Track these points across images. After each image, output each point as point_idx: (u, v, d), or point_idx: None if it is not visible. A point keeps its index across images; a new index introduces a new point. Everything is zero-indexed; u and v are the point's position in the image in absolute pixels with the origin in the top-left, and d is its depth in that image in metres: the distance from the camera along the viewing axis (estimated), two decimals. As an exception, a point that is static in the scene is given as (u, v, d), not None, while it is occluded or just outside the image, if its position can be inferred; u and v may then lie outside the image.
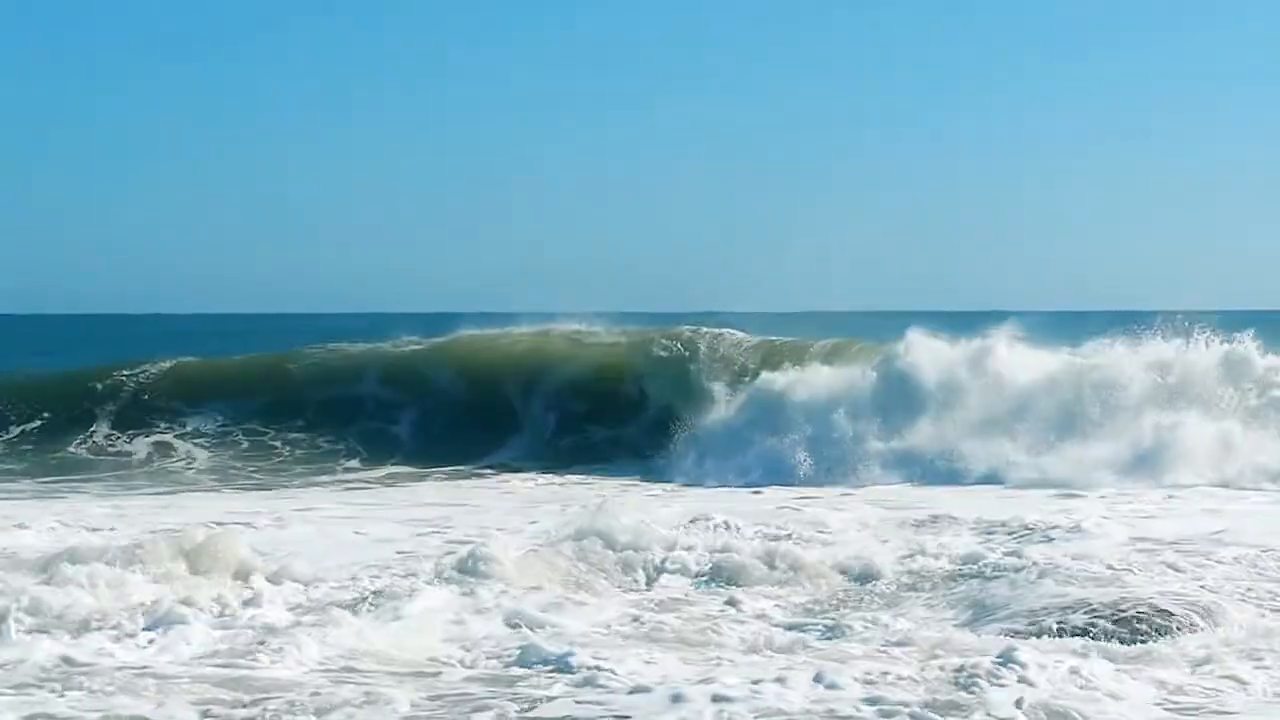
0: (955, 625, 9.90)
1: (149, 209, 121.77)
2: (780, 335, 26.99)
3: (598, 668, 8.62)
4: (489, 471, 22.50)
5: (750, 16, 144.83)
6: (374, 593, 10.64)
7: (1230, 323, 22.64)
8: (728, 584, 11.37)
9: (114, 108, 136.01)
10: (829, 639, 9.59)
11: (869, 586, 11.22)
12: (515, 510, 16.83)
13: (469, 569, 11.11)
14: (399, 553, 12.75)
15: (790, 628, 9.96)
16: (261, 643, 9.16)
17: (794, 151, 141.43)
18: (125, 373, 26.26)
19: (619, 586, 11.28)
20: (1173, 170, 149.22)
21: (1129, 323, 23.16)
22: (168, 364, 26.71)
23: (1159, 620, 9.70)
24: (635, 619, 10.24)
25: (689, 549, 12.06)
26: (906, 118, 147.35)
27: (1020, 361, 23.10)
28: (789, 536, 13.07)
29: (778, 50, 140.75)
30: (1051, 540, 13.09)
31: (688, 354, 26.15)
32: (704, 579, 11.56)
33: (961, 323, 25.21)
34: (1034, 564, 11.47)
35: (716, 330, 26.95)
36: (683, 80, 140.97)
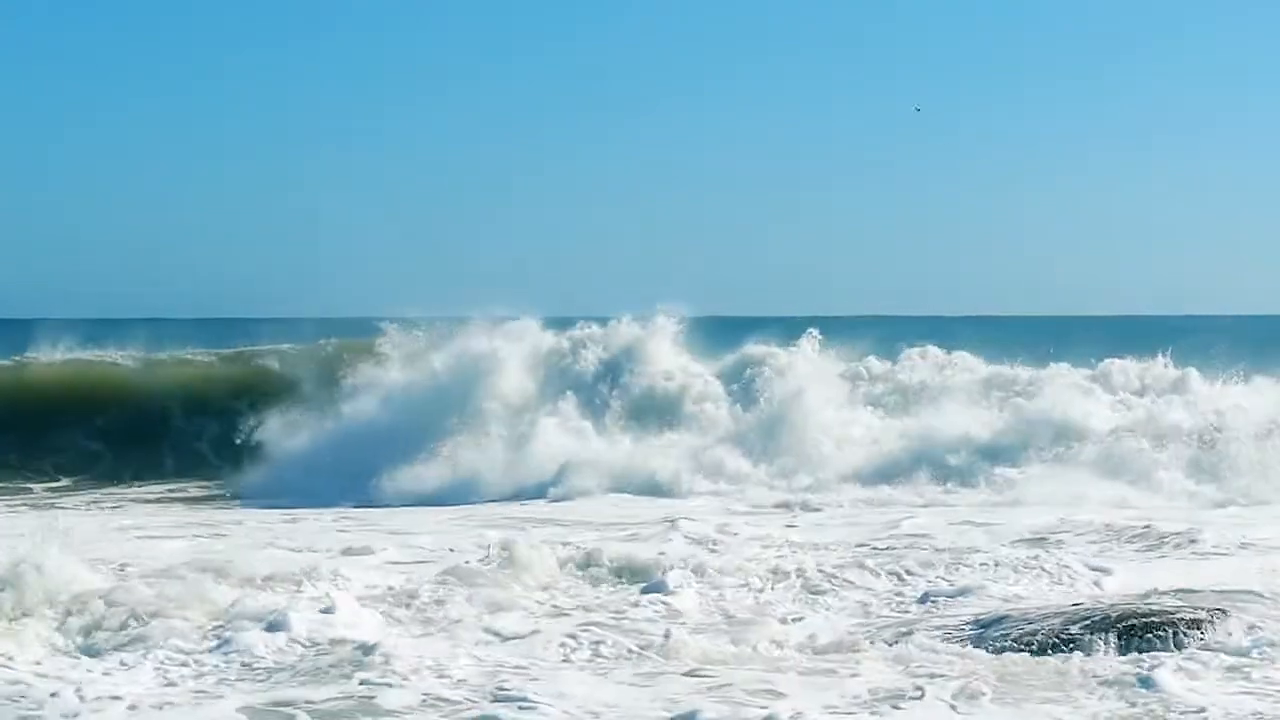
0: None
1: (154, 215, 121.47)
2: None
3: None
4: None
5: (748, 20, 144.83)
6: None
7: (1231, 328, 22.93)
8: None
9: (116, 115, 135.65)
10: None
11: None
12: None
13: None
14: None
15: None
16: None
17: (791, 155, 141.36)
18: None
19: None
20: (1171, 176, 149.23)
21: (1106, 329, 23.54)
22: None
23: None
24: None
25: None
26: (904, 121, 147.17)
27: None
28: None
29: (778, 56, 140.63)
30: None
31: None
32: None
33: (957, 328, 25.49)
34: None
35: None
36: (682, 85, 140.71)
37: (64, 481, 24.20)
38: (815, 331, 25.29)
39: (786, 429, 22.00)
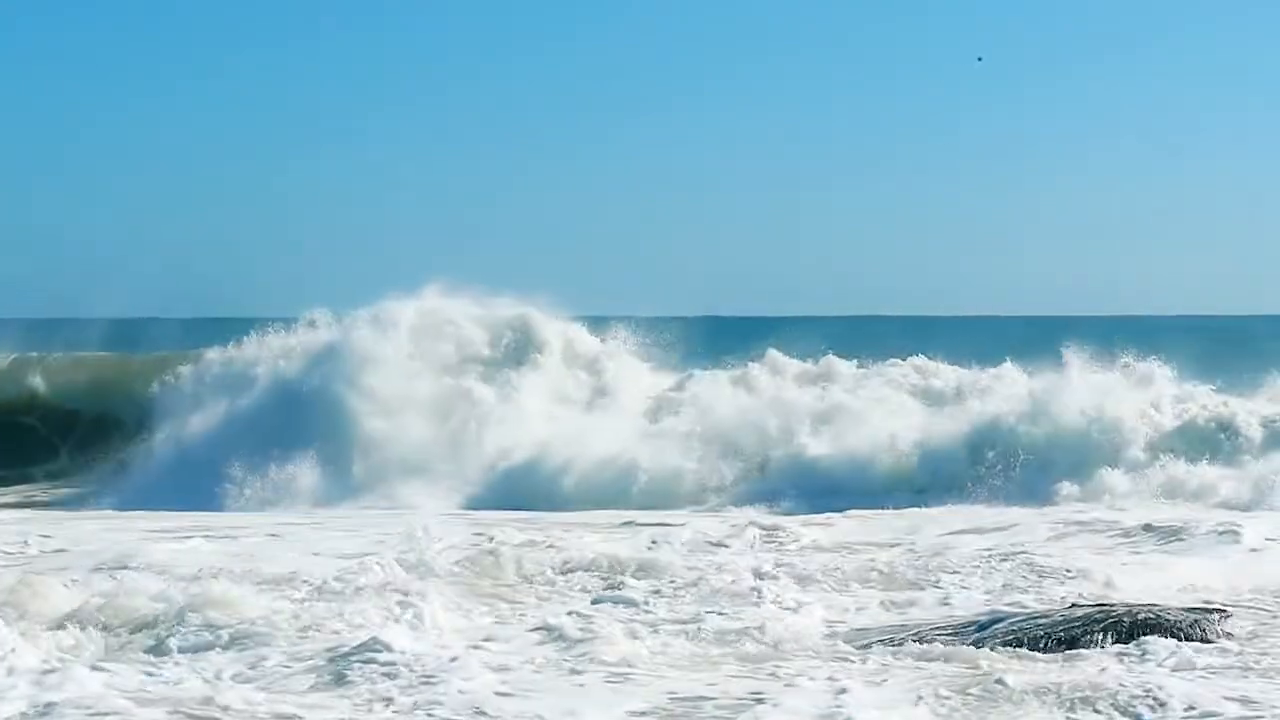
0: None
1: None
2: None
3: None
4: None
5: (747, 20, 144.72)
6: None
7: (1204, 327, 22.89)
8: None
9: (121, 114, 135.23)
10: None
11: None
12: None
13: None
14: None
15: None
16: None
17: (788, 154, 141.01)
18: None
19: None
20: (1169, 175, 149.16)
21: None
22: None
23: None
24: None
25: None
26: (905, 121, 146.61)
27: None
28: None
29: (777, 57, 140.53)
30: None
31: None
32: None
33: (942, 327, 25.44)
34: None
35: None
36: (682, 85, 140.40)
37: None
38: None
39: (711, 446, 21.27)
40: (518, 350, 23.92)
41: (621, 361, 24.45)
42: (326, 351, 23.51)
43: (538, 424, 22.23)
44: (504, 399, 22.82)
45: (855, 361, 24.92)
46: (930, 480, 19.90)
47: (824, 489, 19.76)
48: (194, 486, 20.70)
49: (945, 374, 24.27)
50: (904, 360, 24.96)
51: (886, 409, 22.22)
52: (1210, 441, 20.32)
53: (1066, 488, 19.16)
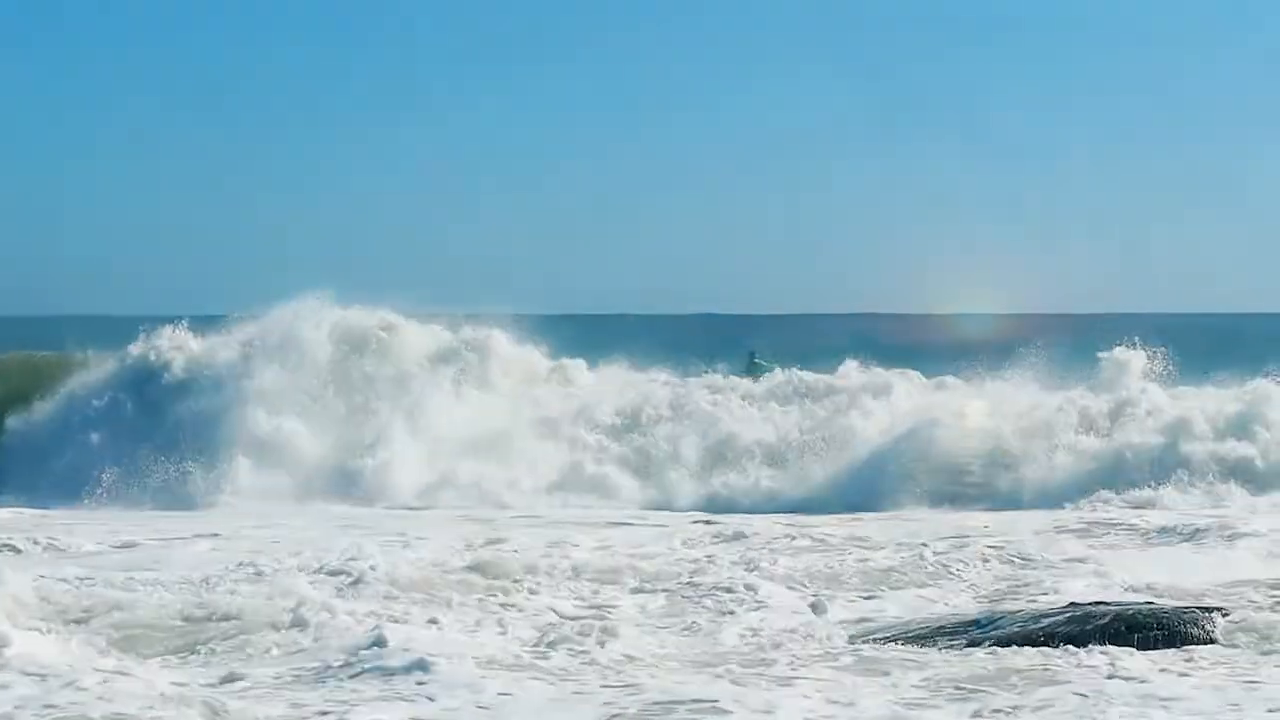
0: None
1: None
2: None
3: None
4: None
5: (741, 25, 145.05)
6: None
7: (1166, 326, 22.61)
8: None
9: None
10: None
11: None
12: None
13: None
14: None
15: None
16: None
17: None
18: None
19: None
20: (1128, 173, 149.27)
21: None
22: None
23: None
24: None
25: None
26: (899, 119, 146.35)
27: None
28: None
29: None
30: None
31: None
32: None
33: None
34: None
35: None
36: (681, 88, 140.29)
37: None
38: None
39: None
40: (446, 364, 22.62)
41: (565, 382, 23.25)
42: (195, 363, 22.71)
43: (452, 451, 20.92)
44: (414, 418, 21.48)
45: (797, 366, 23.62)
46: (864, 496, 19.18)
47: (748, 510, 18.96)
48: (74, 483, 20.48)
49: (907, 379, 23.28)
50: (868, 367, 23.65)
51: (825, 419, 21.51)
52: (1178, 438, 19.89)
53: (1033, 490, 19.03)
